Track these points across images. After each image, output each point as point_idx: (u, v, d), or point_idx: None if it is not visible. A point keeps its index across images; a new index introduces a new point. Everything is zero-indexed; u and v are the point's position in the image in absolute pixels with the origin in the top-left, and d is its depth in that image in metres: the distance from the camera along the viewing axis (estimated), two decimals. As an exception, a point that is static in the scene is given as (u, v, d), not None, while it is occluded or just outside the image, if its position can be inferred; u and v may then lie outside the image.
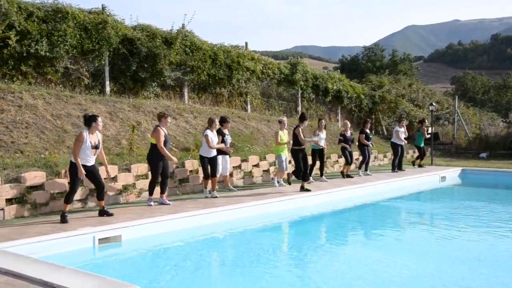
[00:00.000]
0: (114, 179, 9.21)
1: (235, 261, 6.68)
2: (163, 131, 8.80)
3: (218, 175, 10.33)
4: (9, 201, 7.64)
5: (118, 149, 10.43)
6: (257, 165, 12.44)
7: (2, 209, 7.54)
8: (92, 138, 7.54)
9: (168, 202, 8.93)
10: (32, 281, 4.54)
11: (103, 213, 7.70)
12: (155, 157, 8.80)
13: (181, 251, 7.25)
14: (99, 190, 7.81)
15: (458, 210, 10.88)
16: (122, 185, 9.29)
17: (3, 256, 5.39)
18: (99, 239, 6.69)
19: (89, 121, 7.56)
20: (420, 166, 16.36)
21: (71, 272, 4.76)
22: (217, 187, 10.12)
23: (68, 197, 7.50)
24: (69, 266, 4.98)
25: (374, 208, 11.14)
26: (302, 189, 10.73)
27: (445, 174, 15.17)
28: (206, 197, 9.84)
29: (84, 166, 7.44)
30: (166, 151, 8.74)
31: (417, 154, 17.34)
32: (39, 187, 8.03)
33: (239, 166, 11.93)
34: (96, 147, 7.57)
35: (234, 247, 7.60)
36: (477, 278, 5.80)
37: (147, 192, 9.63)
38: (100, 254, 6.65)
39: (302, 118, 11.31)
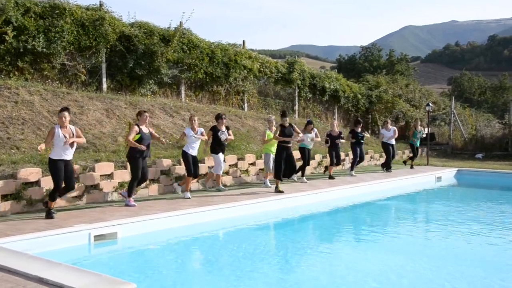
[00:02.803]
0: (110, 176, 9.21)
1: (229, 259, 6.70)
2: (136, 128, 8.51)
3: (220, 173, 10.43)
4: (4, 197, 7.63)
5: (114, 146, 10.42)
6: (253, 164, 12.45)
7: (-2, 205, 7.53)
8: (65, 131, 7.37)
9: (132, 203, 8.53)
10: (27, 277, 4.54)
11: (48, 214, 7.34)
12: (129, 155, 8.59)
13: (176, 248, 7.26)
14: (65, 189, 7.56)
15: (452, 210, 10.93)
16: (118, 182, 9.28)
17: (-2, 252, 5.38)
18: (94, 236, 6.69)
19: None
20: (411, 167, 16.14)
21: (67, 268, 4.76)
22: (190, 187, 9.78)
23: (52, 195, 7.45)
24: (65, 262, 4.98)
25: (368, 208, 11.17)
26: (276, 189, 10.32)
27: (441, 175, 15.22)
28: (184, 197, 9.38)
29: (61, 160, 7.33)
30: (132, 141, 8.38)
31: (411, 154, 17.27)
32: (34, 183, 8.03)
33: (235, 165, 11.95)
34: None
35: (228, 245, 7.61)
36: (469, 278, 5.84)
37: (143, 190, 9.65)
38: (95, 251, 6.65)
39: (282, 115, 10.63)
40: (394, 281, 5.71)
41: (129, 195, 8.61)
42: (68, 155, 7.43)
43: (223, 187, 10.59)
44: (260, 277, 5.83)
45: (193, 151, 9.61)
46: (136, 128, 8.50)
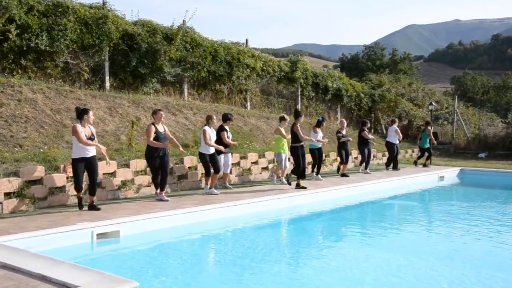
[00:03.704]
0: (113, 174, 9.22)
1: (232, 258, 6.69)
2: (153, 128, 8.80)
3: (221, 172, 10.44)
4: (7, 195, 7.64)
5: (117, 145, 10.42)
6: (256, 163, 12.45)
7: (1, 203, 7.54)
8: (85, 130, 7.81)
9: (166, 198, 8.93)
10: (30, 275, 4.55)
11: (91, 207, 7.86)
12: (148, 154, 8.90)
13: (178, 247, 7.26)
14: (91, 185, 8.00)
15: (455, 209, 10.91)
16: (121, 181, 9.29)
17: (1, 250, 5.39)
18: (97, 234, 6.69)
19: (81, 114, 7.87)
20: (424, 165, 16.38)
21: (70, 266, 4.77)
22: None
23: (76, 186, 7.91)
24: (68, 261, 4.99)
25: (372, 207, 11.17)
26: (298, 186, 10.75)
27: (444, 174, 15.20)
28: (207, 193, 9.82)
29: (84, 158, 7.77)
30: (154, 142, 8.70)
31: (418, 154, 17.43)
32: (38, 181, 8.04)
33: (238, 163, 11.94)
34: (90, 138, 7.84)
35: (231, 244, 7.61)
36: (470, 277, 5.82)
37: (146, 188, 9.67)
38: (98, 249, 6.65)
39: (297, 115, 11.22)
40: (394, 280, 5.70)
41: (162, 190, 8.96)
42: (89, 152, 7.83)
43: (214, 191, 10.55)
44: (261, 276, 5.82)
45: (211, 149, 9.83)
46: (153, 128, 8.80)
